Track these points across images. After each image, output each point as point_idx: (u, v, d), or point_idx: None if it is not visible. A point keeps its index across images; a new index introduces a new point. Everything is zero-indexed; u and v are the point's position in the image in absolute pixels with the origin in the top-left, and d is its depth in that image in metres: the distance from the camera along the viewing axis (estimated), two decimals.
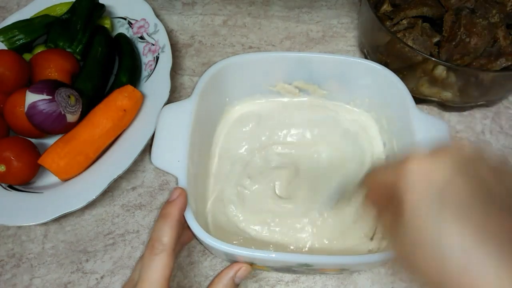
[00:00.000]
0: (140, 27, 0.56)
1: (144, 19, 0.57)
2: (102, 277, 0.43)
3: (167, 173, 0.40)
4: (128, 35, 0.56)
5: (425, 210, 0.22)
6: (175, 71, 0.58)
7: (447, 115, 0.53)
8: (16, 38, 0.52)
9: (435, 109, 0.54)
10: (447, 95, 0.50)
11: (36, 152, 0.46)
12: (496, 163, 0.24)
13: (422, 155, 0.24)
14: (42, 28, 0.54)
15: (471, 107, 0.53)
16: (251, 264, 0.36)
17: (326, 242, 0.42)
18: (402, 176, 0.24)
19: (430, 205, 0.22)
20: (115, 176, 0.43)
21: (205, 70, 0.44)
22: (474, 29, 0.47)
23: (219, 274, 0.35)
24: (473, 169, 0.23)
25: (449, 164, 0.23)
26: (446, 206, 0.22)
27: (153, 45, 0.54)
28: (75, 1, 0.55)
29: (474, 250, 0.20)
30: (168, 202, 0.35)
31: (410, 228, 0.23)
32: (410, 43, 0.49)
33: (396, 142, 0.44)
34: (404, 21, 0.51)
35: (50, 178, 0.47)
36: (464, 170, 0.23)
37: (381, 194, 0.28)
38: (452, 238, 0.21)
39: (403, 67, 0.49)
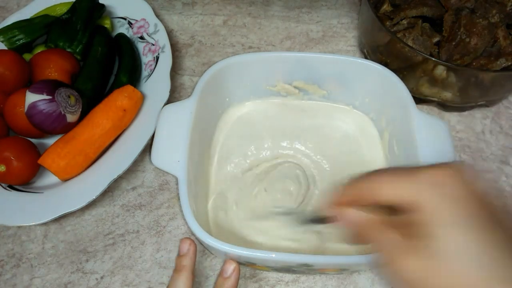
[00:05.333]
0: (140, 27, 0.56)
1: (144, 19, 0.57)
2: (102, 277, 0.43)
3: (167, 173, 0.40)
4: (128, 35, 0.56)
5: (459, 237, 0.23)
6: (175, 71, 0.58)
7: (447, 115, 0.53)
8: (16, 38, 0.52)
9: (435, 109, 0.54)
10: (447, 95, 0.50)
11: (36, 152, 0.46)
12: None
13: (440, 174, 0.24)
14: (42, 28, 0.54)
15: (471, 107, 0.53)
16: (252, 264, 0.36)
17: (327, 243, 0.42)
18: (426, 196, 0.24)
19: (465, 231, 0.23)
20: (115, 176, 0.43)
21: (205, 70, 0.44)
22: (474, 29, 0.47)
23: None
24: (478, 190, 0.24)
25: (467, 188, 0.24)
26: (478, 236, 0.23)
27: (153, 45, 0.54)
28: (75, 1, 0.55)
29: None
30: (180, 256, 0.36)
31: (440, 251, 0.23)
32: (410, 43, 0.49)
33: (396, 142, 0.44)
34: (404, 21, 0.51)
35: (50, 178, 0.47)
36: (475, 193, 0.24)
37: (370, 207, 0.27)
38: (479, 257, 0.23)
39: (403, 67, 0.49)
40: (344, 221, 0.29)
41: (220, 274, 0.36)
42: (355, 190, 0.28)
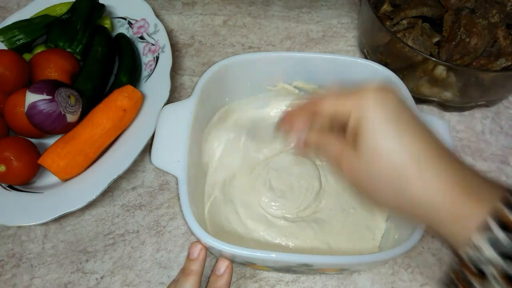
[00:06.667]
0: (140, 27, 0.56)
1: (144, 19, 0.57)
2: (102, 277, 0.43)
3: (167, 173, 0.40)
4: (128, 35, 0.56)
5: (385, 130, 0.28)
6: (175, 71, 0.58)
7: (447, 115, 0.53)
8: (16, 38, 0.53)
9: (435, 109, 0.54)
10: (447, 95, 0.50)
11: (36, 152, 0.46)
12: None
13: (375, 88, 0.29)
14: (42, 28, 0.54)
15: (471, 107, 0.53)
16: (252, 264, 0.36)
17: (326, 243, 0.42)
18: (363, 103, 0.29)
19: (389, 127, 0.28)
20: (115, 176, 0.43)
21: (205, 70, 0.44)
22: (474, 29, 0.47)
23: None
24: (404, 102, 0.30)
25: (396, 98, 0.29)
26: (402, 129, 0.28)
27: (153, 45, 0.54)
28: (75, 1, 0.55)
29: (424, 161, 0.27)
30: (190, 259, 0.36)
31: (369, 146, 0.28)
32: (410, 43, 0.49)
33: None
34: (404, 21, 0.51)
35: (50, 178, 0.47)
36: (403, 103, 0.29)
37: (323, 122, 0.32)
38: (407, 149, 0.27)
39: (403, 67, 0.49)
40: (297, 125, 0.34)
41: (213, 272, 0.36)
42: (306, 102, 0.33)
